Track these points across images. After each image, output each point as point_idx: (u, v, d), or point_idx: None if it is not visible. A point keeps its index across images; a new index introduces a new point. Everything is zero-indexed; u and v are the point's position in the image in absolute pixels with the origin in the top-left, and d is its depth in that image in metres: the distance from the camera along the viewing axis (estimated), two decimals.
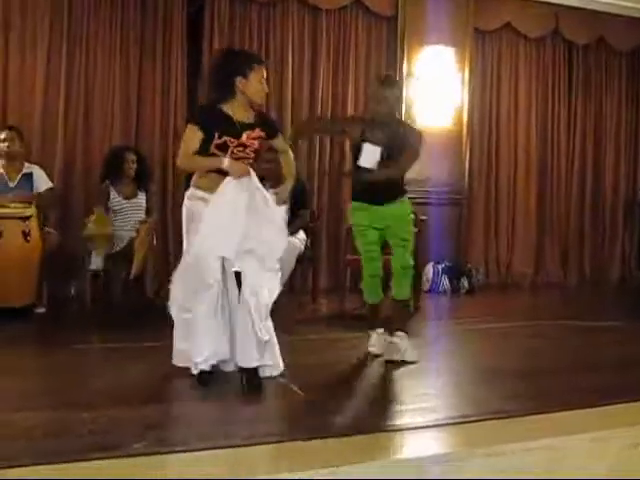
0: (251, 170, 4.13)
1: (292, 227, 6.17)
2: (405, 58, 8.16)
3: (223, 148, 4.11)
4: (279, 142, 4.46)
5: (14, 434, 3.30)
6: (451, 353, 5.34)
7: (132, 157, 6.45)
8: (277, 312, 5.20)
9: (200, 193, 4.17)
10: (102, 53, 7.19)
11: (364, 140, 4.72)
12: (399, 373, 4.61)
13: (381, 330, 5.00)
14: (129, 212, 6.39)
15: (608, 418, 3.71)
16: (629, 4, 8.84)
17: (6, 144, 6.28)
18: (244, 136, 4.15)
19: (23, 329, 5.70)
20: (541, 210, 9.17)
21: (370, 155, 4.69)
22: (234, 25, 7.61)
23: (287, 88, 7.78)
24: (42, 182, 6.38)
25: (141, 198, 6.48)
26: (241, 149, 4.16)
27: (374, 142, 4.70)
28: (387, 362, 4.74)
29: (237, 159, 4.11)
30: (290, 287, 6.78)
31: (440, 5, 8.09)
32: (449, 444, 3.47)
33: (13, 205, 6.06)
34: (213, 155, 4.10)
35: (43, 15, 6.99)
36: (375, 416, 3.78)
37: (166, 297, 6.46)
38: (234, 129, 4.14)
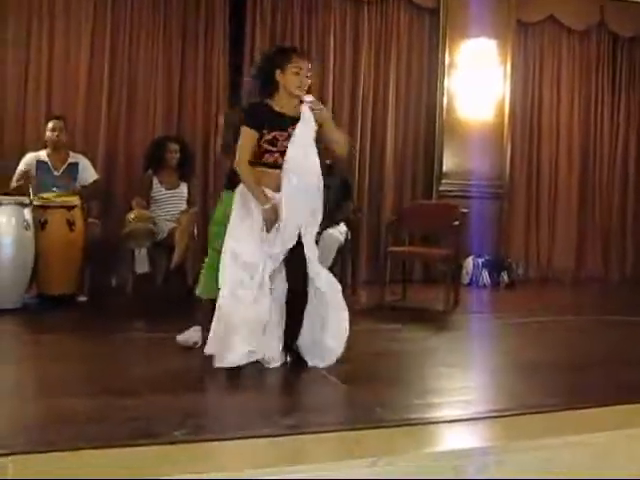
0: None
1: (334, 219, 6.22)
2: (447, 50, 8.13)
3: (273, 143, 4.20)
4: (329, 127, 4.39)
5: (57, 419, 3.35)
6: (491, 347, 5.31)
7: (174, 147, 6.50)
8: None
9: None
10: (144, 45, 7.26)
11: None
12: (438, 366, 4.62)
13: None
14: (171, 202, 6.45)
15: None
16: None
17: (55, 133, 6.34)
18: (291, 129, 4.21)
19: (65, 317, 5.78)
20: (583, 205, 9.07)
21: None
22: (276, 17, 7.63)
23: (329, 80, 7.79)
24: (88, 174, 6.46)
25: (183, 188, 6.53)
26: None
27: None
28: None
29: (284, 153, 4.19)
30: None
31: None
32: (488, 437, 3.46)
33: (58, 195, 6.15)
34: (265, 151, 4.21)
35: (87, 6, 7.06)
36: (414, 408, 3.79)
37: None
38: (282, 123, 4.21)
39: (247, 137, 4.19)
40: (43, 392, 3.88)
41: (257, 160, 4.22)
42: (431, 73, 8.16)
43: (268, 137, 4.17)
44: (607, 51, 9.12)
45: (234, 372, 4.18)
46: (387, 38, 8.07)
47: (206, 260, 4.64)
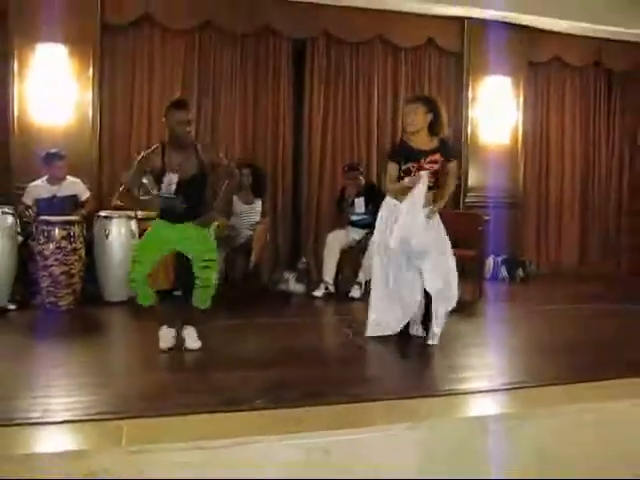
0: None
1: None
2: (470, 87, 8.05)
3: (407, 172, 4.45)
4: (452, 166, 4.61)
5: (162, 390, 3.42)
6: (511, 330, 5.27)
7: (246, 171, 6.49)
8: (368, 298, 5.17)
9: (394, 201, 4.52)
10: (225, 88, 7.27)
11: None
12: (468, 346, 4.57)
13: None
14: (248, 215, 6.49)
15: None
16: None
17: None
18: (422, 161, 4.43)
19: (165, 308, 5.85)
20: (584, 211, 8.92)
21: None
22: (330, 62, 7.61)
23: (373, 113, 7.76)
24: None
25: (257, 204, 6.56)
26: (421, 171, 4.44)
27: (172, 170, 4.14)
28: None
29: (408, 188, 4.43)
30: None
31: (499, 41, 7.92)
32: (510, 405, 3.43)
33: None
34: (401, 179, 4.47)
35: (178, 57, 7.13)
36: (448, 381, 3.76)
37: (277, 283, 6.60)
38: (415, 156, 4.43)
39: (391, 168, 4.52)
40: (148, 368, 3.95)
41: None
42: (457, 106, 8.08)
43: (404, 168, 4.47)
44: (603, 84, 8.95)
45: (307, 349, 4.21)
46: (421, 77, 8.01)
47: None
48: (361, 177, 6.79)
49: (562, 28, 8.20)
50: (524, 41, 8.15)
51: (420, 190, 4.36)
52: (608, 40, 8.50)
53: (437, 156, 4.47)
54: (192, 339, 4.33)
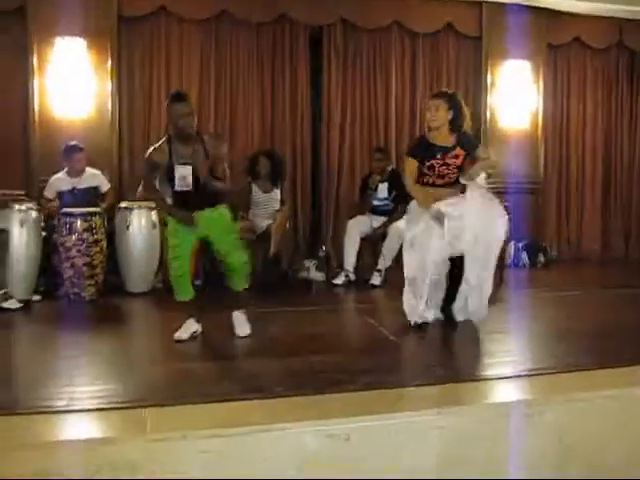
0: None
1: (397, 214, 6.17)
2: (489, 71, 7.99)
3: (431, 168, 4.49)
4: (478, 153, 4.60)
5: (184, 379, 3.46)
6: (532, 316, 5.24)
7: (264, 161, 6.53)
8: (388, 285, 5.18)
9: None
10: (243, 78, 7.28)
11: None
12: (489, 332, 4.56)
13: None
14: (267, 203, 6.50)
15: None
16: None
17: None
18: (445, 157, 4.47)
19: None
20: (606, 196, 8.83)
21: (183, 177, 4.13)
22: (347, 49, 7.58)
23: (391, 101, 7.72)
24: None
25: (276, 192, 6.56)
26: (445, 167, 4.49)
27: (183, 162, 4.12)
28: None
29: (443, 176, 4.49)
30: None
31: (518, 24, 7.85)
32: (532, 391, 3.44)
33: None
34: (425, 174, 4.52)
35: (195, 50, 7.15)
36: (470, 367, 3.77)
37: (298, 271, 6.61)
38: (436, 152, 4.47)
39: (411, 165, 4.55)
40: (171, 357, 3.99)
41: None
42: (476, 90, 8.03)
43: (428, 164, 4.50)
44: (625, 66, 8.81)
45: (329, 337, 4.23)
46: (439, 63, 7.97)
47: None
48: (388, 162, 6.76)
49: (581, 9, 8.10)
50: (543, 24, 8.07)
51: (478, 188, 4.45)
52: (629, 20, 8.39)
53: (458, 150, 4.50)
54: (241, 325, 4.38)
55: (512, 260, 7.82)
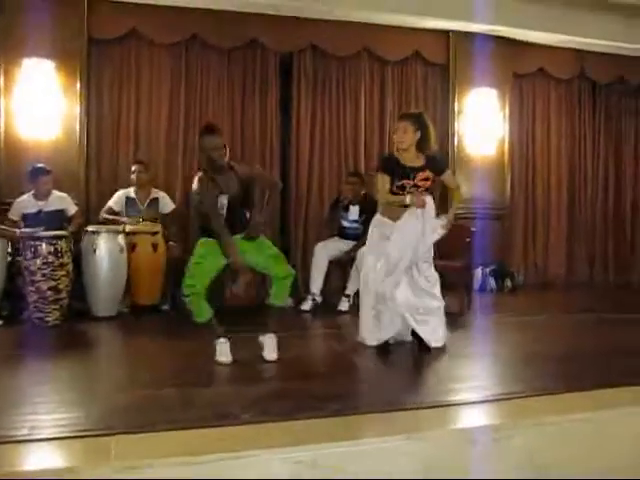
0: (427, 201, 4.51)
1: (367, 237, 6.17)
2: (456, 98, 8.11)
3: (402, 188, 4.53)
4: (446, 177, 4.71)
5: (150, 406, 3.39)
6: (499, 341, 5.27)
7: None
8: (356, 310, 5.14)
9: (386, 219, 4.62)
10: (212, 102, 7.29)
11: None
12: (456, 357, 4.57)
13: None
14: None
15: (637, 395, 3.61)
16: None
17: (135, 174, 6.46)
18: (414, 179, 4.53)
19: (152, 322, 5.85)
20: (571, 222, 8.98)
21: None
22: (317, 75, 7.64)
23: (360, 127, 7.77)
24: (167, 205, 6.55)
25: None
26: (415, 188, 4.54)
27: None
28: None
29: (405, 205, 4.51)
30: None
31: (484, 53, 7.99)
32: (499, 416, 3.43)
33: (144, 224, 6.23)
34: (396, 194, 4.54)
35: (165, 73, 7.14)
36: (438, 392, 3.76)
37: (265, 296, 6.54)
38: (406, 173, 4.53)
39: (383, 180, 4.59)
40: (137, 383, 3.92)
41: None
42: (443, 117, 8.13)
43: (398, 184, 4.55)
44: (587, 95, 9.05)
45: (291, 364, 4.21)
46: (407, 90, 8.06)
47: None
48: (362, 186, 6.75)
49: (545, 41, 8.30)
50: (508, 53, 8.23)
51: (430, 206, 4.51)
52: (590, 52, 8.61)
53: (427, 173, 4.56)
54: (270, 349, 4.34)
55: (479, 285, 7.89)
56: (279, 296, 4.41)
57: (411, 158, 4.57)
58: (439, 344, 4.66)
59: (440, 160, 4.78)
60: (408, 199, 4.46)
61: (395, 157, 4.62)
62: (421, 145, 4.58)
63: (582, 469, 3.15)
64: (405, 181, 4.51)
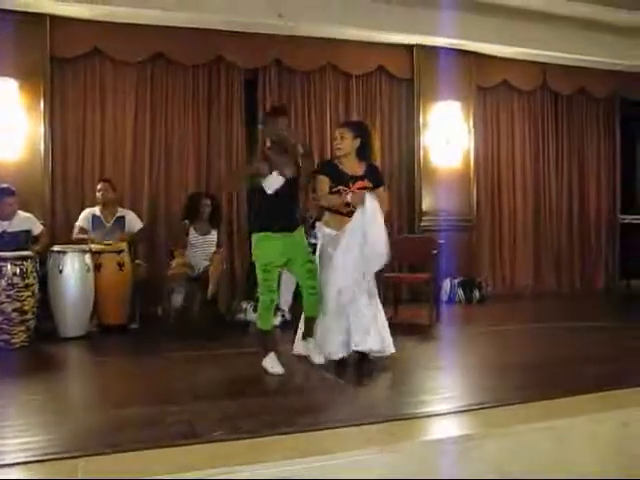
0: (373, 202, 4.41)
1: None
2: (421, 111, 8.20)
3: (338, 194, 4.52)
4: (380, 192, 4.63)
5: (119, 426, 3.35)
6: (468, 352, 5.32)
7: (207, 202, 6.53)
8: None
9: (328, 230, 4.60)
10: (177, 119, 7.32)
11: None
12: (425, 369, 4.60)
13: None
14: (204, 245, 6.45)
15: (602, 402, 3.67)
16: (605, 59, 8.75)
17: (101, 193, 6.42)
18: (352, 186, 4.51)
19: (120, 342, 5.80)
20: (537, 232, 9.13)
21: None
22: (282, 89, 7.70)
23: (327, 139, 7.80)
24: (134, 224, 6.51)
25: (214, 234, 6.54)
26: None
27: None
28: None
29: (347, 204, 4.47)
30: None
31: (448, 67, 8.12)
32: (469, 426, 3.45)
33: (109, 242, 6.18)
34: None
35: (130, 90, 7.14)
36: (409, 404, 3.78)
37: (235, 313, 6.54)
38: (344, 180, 4.53)
39: (323, 182, 4.58)
40: (105, 404, 3.88)
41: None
42: (409, 130, 8.23)
43: (335, 189, 4.53)
44: (550, 106, 9.23)
45: (262, 379, 4.21)
46: (372, 104, 8.15)
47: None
48: None
49: (508, 54, 8.46)
50: (472, 66, 8.37)
51: (375, 205, 4.42)
52: (552, 65, 8.79)
53: (365, 182, 4.55)
54: (317, 353, 4.55)
55: (448, 297, 7.95)
56: (314, 308, 4.56)
57: (351, 166, 4.58)
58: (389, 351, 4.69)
59: (380, 174, 4.78)
60: (349, 197, 4.44)
61: (334, 163, 4.64)
62: (361, 153, 4.61)
63: (550, 477, 3.19)
64: (342, 187, 4.50)
